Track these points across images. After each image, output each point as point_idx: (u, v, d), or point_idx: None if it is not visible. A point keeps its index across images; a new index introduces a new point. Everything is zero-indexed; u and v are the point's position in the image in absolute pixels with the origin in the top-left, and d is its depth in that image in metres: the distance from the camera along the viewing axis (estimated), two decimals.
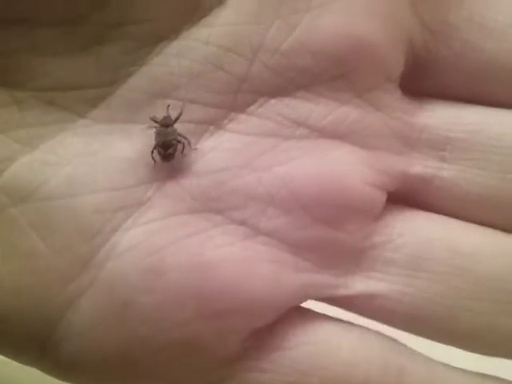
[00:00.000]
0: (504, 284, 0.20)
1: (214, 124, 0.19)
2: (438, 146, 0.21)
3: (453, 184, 0.20)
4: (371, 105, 0.20)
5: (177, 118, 0.19)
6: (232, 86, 0.19)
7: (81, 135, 0.18)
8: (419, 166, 0.21)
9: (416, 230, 0.20)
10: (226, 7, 0.19)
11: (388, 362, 0.19)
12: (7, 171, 0.18)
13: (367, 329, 0.20)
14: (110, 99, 0.19)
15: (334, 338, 0.20)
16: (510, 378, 0.20)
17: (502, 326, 0.20)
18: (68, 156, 0.18)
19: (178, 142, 0.19)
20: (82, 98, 0.18)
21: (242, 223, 0.19)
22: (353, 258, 0.20)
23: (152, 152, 0.19)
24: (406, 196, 0.21)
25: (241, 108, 0.19)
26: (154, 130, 0.19)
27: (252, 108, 0.19)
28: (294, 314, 0.20)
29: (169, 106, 0.19)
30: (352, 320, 0.20)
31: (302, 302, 0.20)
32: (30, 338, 0.18)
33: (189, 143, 0.19)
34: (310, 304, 0.20)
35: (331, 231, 0.19)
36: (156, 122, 0.19)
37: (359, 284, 0.20)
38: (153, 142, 0.19)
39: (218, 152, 0.19)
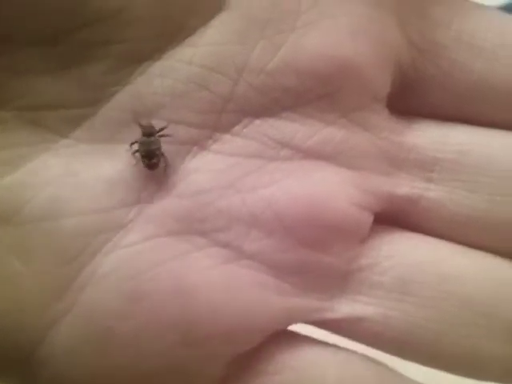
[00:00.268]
0: (491, 308, 0.19)
1: (197, 144, 0.19)
2: (426, 166, 0.20)
3: (440, 205, 0.20)
4: (358, 125, 0.20)
5: (161, 129, 0.19)
6: (216, 106, 0.19)
7: (63, 156, 0.18)
8: (406, 186, 0.20)
9: (403, 253, 0.20)
10: (210, 27, 0.19)
11: None
12: None
13: (354, 352, 0.20)
14: (92, 119, 0.18)
15: (320, 362, 0.19)
16: None
17: (487, 351, 0.19)
18: (49, 177, 0.18)
19: (162, 153, 0.19)
20: (64, 117, 0.18)
21: (226, 245, 0.19)
22: (339, 280, 0.19)
23: (137, 159, 0.19)
24: (393, 216, 0.21)
25: (225, 128, 0.19)
26: (138, 140, 0.19)
27: (236, 128, 0.19)
28: (280, 338, 0.19)
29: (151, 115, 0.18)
30: (339, 342, 0.20)
31: (286, 326, 0.19)
32: (8, 362, 0.18)
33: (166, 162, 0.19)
34: (297, 325, 0.20)
35: (316, 254, 0.19)
36: (141, 126, 0.19)
37: (345, 307, 0.19)
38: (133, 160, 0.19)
39: (201, 173, 0.19)
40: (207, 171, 0.19)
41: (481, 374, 0.20)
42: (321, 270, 0.19)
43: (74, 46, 0.18)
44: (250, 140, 0.19)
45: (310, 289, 0.19)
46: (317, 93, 0.19)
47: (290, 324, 0.19)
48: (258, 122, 0.19)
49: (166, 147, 0.19)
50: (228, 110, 0.19)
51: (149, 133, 0.19)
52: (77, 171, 0.18)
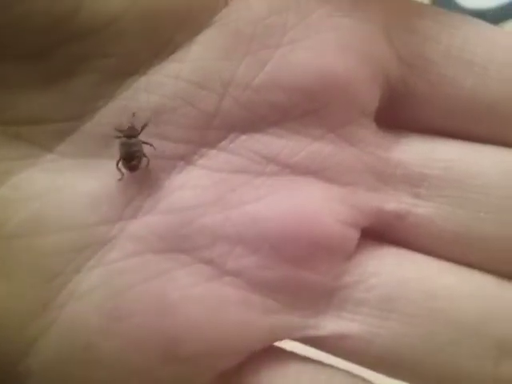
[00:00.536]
0: (478, 327, 0.19)
1: (183, 160, 0.19)
2: (413, 181, 0.20)
3: (428, 221, 0.20)
4: (345, 140, 0.20)
5: (142, 129, 0.19)
6: (202, 121, 0.19)
7: (47, 171, 0.18)
8: (393, 202, 0.20)
9: (389, 270, 0.20)
10: (196, 42, 0.19)
11: None
12: None
13: (338, 369, 0.20)
14: (77, 133, 0.18)
15: (305, 379, 0.19)
16: None
17: (474, 370, 0.19)
18: (33, 193, 0.18)
19: (144, 154, 0.19)
20: (48, 132, 0.18)
21: (209, 263, 0.19)
22: (324, 297, 0.19)
23: (117, 164, 0.19)
24: (380, 232, 0.20)
25: (211, 144, 0.19)
26: (119, 141, 0.19)
27: (223, 144, 0.19)
28: (265, 354, 0.19)
29: (133, 114, 0.18)
30: (325, 358, 0.20)
31: (270, 344, 0.19)
32: None
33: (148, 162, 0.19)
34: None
35: (301, 271, 0.19)
36: (121, 131, 0.18)
37: (330, 324, 0.19)
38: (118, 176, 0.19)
39: (186, 189, 0.19)
40: (192, 187, 0.19)
41: None
42: (306, 288, 0.19)
43: (58, 60, 0.18)
44: (236, 155, 0.19)
45: (295, 306, 0.19)
46: (304, 108, 0.19)
47: (274, 342, 0.19)
48: (244, 137, 0.19)
49: (152, 162, 0.19)
50: (214, 126, 0.19)
51: (130, 134, 0.19)
52: (60, 187, 0.18)
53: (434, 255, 0.20)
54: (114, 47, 0.18)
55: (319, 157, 0.19)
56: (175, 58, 0.18)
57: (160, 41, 0.18)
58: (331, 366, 0.20)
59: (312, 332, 0.19)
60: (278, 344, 0.20)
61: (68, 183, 0.18)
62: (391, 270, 0.20)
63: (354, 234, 0.20)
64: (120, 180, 0.18)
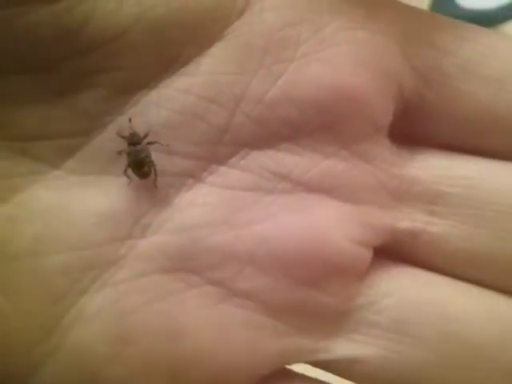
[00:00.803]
0: (494, 351, 0.19)
1: (193, 177, 0.18)
2: (428, 199, 0.20)
3: (443, 240, 0.20)
4: (358, 157, 0.19)
5: (145, 136, 0.18)
6: (212, 137, 0.18)
7: (53, 188, 0.18)
8: (408, 220, 0.20)
9: (402, 291, 0.19)
10: (207, 56, 0.18)
11: None
12: None
13: None
14: (85, 149, 0.18)
15: None
16: None
17: None
18: (39, 211, 0.17)
19: (152, 161, 0.18)
20: (55, 148, 0.18)
21: (218, 284, 0.18)
22: (335, 320, 0.19)
23: (125, 171, 0.18)
24: (393, 250, 0.20)
25: (221, 160, 0.18)
26: (124, 151, 0.18)
27: (233, 160, 0.19)
28: (274, 376, 0.19)
29: (130, 120, 0.18)
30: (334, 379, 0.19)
31: (280, 368, 0.19)
32: None
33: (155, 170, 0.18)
34: None
35: (313, 292, 0.19)
36: (123, 137, 0.18)
37: (341, 348, 0.19)
38: (127, 196, 0.18)
39: (195, 207, 0.18)
40: (202, 205, 0.18)
41: None
42: (317, 310, 0.19)
43: (66, 75, 0.17)
44: (247, 172, 0.19)
45: (306, 329, 0.19)
46: (317, 124, 0.19)
47: (284, 365, 0.19)
48: (255, 153, 0.19)
49: (161, 179, 0.18)
50: (224, 142, 0.18)
51: (135, 141, 0.18)
52: (67, 204, 0.18)
53: (448, 275, 0.20)
54: (122, 61, 0.17)
55: (332, 174, 0.19)
56: (186, 72, 0.18)
57: (170, 54, 0.18)
58: None
59: (323, 356, 0.19)
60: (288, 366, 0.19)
61: (75, 200, 0.18)
62: (404, 290, 0.19)
63: (367, 254, 0.19)
64: (129, 184, 0.18)
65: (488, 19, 0.48)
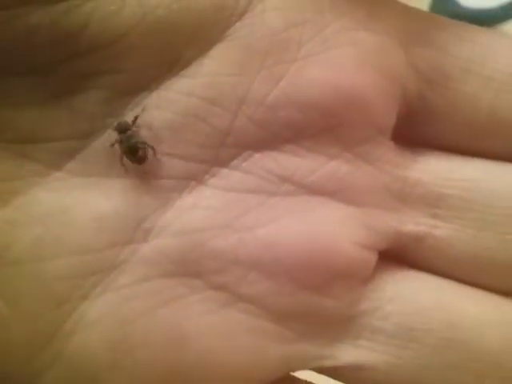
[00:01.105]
0: (501, 357, 0.18)
1: (195, 179, 0.18)
2: (431, 202, 0.20)
3: (447, 243, 0.19)
4: (361, 159, 0.19)
5: (134, 121, 0.18)
6: (214, 139, 0.18)
7: (53, 190, 0.17)
8: (412, 223, 0.19)
9: (407, 295, 0.19)
10: (208, 57, 0.18)
11: None
12: None
13: None
14: (85, 152, 0.18)
15: None
16: None
17: None
18: (39, 215, 0.17)
19: (145, 143, 0.18)
20: (55, 150, 0.17)
21: (222, 288, 0.18)
22: (339, 325, 0.19)
23: (121, 160, 0.18)
24: (397, 254, 0.20)
25: (223, 162, 0.18)
26: (116, 139, 0.18)
27: (235, 162, 0.18)
28: (278, 383, 0.18)
29: (136, 117, 0.18)
30: None
31: (285, 374, 0.18)
32: None
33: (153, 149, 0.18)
34: None
35: (317, 297, 0.18)
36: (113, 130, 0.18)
37: (346, 354, 0.18)
38: (129, 199, 0.18)
39: (197, 210, 0.18)
40: (204, 208, 0.18)
41: None
42: (321, 314, 0.18)
43: (66, 77, 0.17)
44: (250, 174, 0.18)
45: (310, 334, 0.18)
46: (319, 126, 0.19)
47: (288, 372, 0.18)
48: (257, 155, 0.18)
49: (163, 182, 0.18)
50: (227, 144, 0.18)
51: (123, 128, 0.18)
52: (68, 207, 0.17)
53: (453, 279, 0.19)
54: (123, 63, 0.17)
55: (335, 176, 0.19)
56: (187, 74, 0.18)
57: (171, 56, 0.18)
58: None
59: (327, 362, 0.18)
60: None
61: (76, 203, 0.17)
62: (409, 295, 0.19)
63: (372, 258, 0.19)
64: (126, 173, 0.18)
65: (488, 18, 0.48)
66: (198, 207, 0.18)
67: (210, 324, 0.17)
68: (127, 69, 0.17)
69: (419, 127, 0.20)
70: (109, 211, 0.17)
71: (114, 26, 0.17)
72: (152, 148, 0.18)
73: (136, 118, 0.18)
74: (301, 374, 0.19)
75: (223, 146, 0.18)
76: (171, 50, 0.17)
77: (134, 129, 0.18)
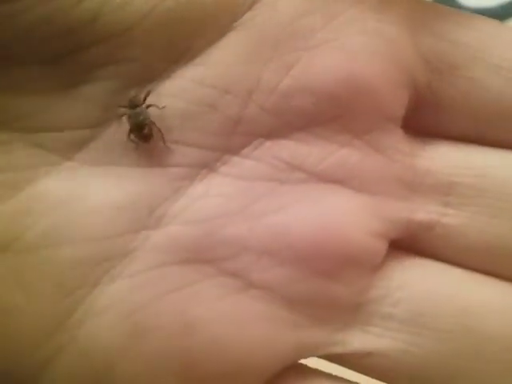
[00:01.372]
0: None
1: (206, 167, 0.18)
2: (443, 190, 0.20)
3: (458, 232, 0.19)
4: (372, 147, 0.19)
5: (145, 97, 0.18)
6: (226, 127, 0.18)
7: (66, 179, 0.17)
8: (423, 211, 0.19)
9: (416, 282, 0.19)
10: (219, 47, 0.18)
11: None
12: None
13: None
14: (97, 141, 0.18)
15: None
16: None
17: None
18: (51, 203, 0.17)
19: (153, 123, 0.18)
20: (67, 139, 0.17)
21: (234, 275, 0.18)
22: (350, 312, 0.19)
23: (129, 136, 0.18)
24: (407, 242, 0.20)
25: (235, 150, 0.18)
26: (126, 115, 0.18)
27: (246, 150, 0.18)
28: (288, 371, 0.18)
29: (148, 92, 0.18)
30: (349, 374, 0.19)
31: (295, 361, 0.18)
32: None
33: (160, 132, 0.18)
34: None
35: (327, 283, 0.18)
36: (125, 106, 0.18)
37: (357, 340, 0.18)
38: (141, 187, 0.18)
39: (209, 198, 0.18)
40: (216, 196, 0.18)
41: None
42: (332, 301, 0.18)
43: (78, 65, 0.17)
44: (261, 162, 0.18)
45: (322, 320, 0.18)
46: (330, 114, 0.19)
47: (299, 359, 0.18)
48: (268, 143, 0.18)
49: (174, 170, 0.18)
50: (238, 132, 0.18)
51: (133, 104, 0.18)
52: (79, 196, 0.17)
53: (462, 267, 0.19)
54: (133, 53, 0.17)
55: (346, 164, 0.19)
56: (199, 63, 0.18)
57: (181, 46, 0.18)
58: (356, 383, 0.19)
59: (338, 348, 0.18)
60: (302, 361, 0.19)
61: (88, 192, 0.17)
62: (418, 282, 0.19)
63: (383, 246, 0.19)
64: (136, 149, 0.18)
65: (488, 17, 0.48)
66: (210, 195, 0.18)
67: (221, 310, 0.17)
68: (137, 58, 0.17)
69: (429, 116, 0.20)
70: (121, 199, 0.17)
71: (124, 16, 0.17)
72: (159, 130, 0.18)
73: (148, 94, 0.18)
74: (308, 363, 0.19)
75: (234, 133, 0.18)
76: (181, 40, 0.18)
77: (144, 106, 0.18)
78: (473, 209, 0.19)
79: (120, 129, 0.18)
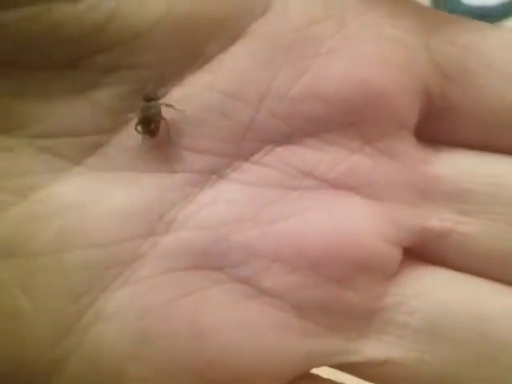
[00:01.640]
0: None
1: (216, 173, 0.18)
2: (457, 198, 0.19)
3: (473, 240, 0.19)
4: (384, 154, 0.19)
5: (162, 95, 0.18)
6: (236, 133, 0.18)
7: (75, 184, 0.17)
8: (436, 219, 0.19)
9: (431, 291, 0.19)
10: (230, 53, 0.18)
11: None
12: None
13: None
14: (107, 146, 0.18)
15: None
16: None
17: None
18: (59, 208, 0.17)
19: (163, 118, 0.18)
20: (77, 145, 0.17)
21: (244, 281, 0.18)
22: (364, 320, 0.18)
23: (136, 127, 0.18)
24: (421, 250, 0.19)
25: (245, 156, 0.18)
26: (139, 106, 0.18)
27: (257, 156, 0.18)
28: (300, 381, 0.18)
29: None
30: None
31: (307, 371, 0.18)
32: None
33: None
34: None
35: (340, 291, 0.18)
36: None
37: (371, 349, 0.18)
38: (150, 193, 0.18)
39: (219, 204, 0.18)
40: (225, 202, 0.18)
41: None
42: (345, 308, 0.18)
43: (89, 71, 0.17)
44: (271, 169, 0.18)
45: (335, 329, 0.18)
46: (341, 120, 0.18)
47: (311, 368, 0.18)
48: (279, 149, 0.18)
49: (184, 175, 0.18)
50: (248, 138, 0.18)
51: (148, 97, 0.18)
52: (88, 201, 0.17)
53: (479, 276, 0.19)
54: (145, 58, 0.17)
55: (358, 171, 0.19)
56: (209, 69, 0.18)
57: (193, 52, 0.18)
58: None
59: (352, 357, 0.18)
60: (314, 371, 0.18)
61: (97, 197, 0.17)
62: (434, 290, 0.19)
63: (397, 253, 0.19)
64: (142, 144, 0.18)
65: (489, 15, 0.48)
66: (219, 201, 0.18)
67: (231, 317, 0.17)
68: (149, 64, 0.17)
69: (442, 124, 0.20)
70: (130, 205, 0.17)
71: (137, 21, 0.17)
72: (168, 129, 0.18)
73: (166, 92, 0.18)
74: (319, 372, 0.19)
75: (245, 140, 0.18)
76: (193, 46, 0.18)
77: (159, 102, 0.18)
78: (490, 216, 0.19)
79: (130, 134, 0.18)
